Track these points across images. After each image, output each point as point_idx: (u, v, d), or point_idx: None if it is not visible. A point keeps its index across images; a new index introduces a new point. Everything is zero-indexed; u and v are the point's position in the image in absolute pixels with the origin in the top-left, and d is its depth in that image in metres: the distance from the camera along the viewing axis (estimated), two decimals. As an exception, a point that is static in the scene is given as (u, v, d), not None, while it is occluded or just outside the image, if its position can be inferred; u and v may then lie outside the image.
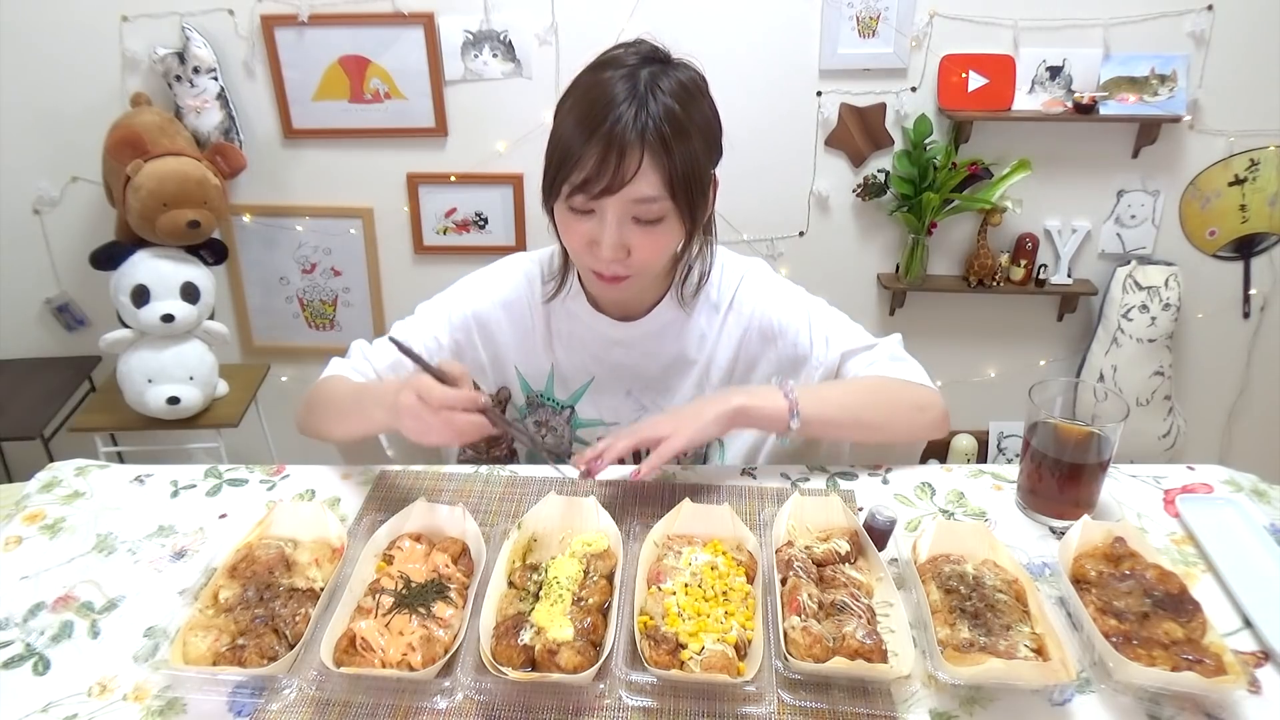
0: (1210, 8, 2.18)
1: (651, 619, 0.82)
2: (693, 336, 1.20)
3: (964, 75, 2.25)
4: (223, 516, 1.05)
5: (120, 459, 2.53)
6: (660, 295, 1.18)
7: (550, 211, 1.06)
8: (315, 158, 2.44)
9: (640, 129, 0.95)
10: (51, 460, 1.17)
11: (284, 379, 2.69)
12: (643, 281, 1.12)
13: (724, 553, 0.91)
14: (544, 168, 1.03)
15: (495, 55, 2.30)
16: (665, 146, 0.96)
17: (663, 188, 0.97)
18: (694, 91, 1.01)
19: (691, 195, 1.00)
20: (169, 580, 0.94)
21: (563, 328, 1.20)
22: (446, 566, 0.88)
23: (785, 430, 1.05)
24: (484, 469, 1.14)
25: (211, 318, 2.31)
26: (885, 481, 1.11)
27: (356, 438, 1.14)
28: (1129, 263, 2.41)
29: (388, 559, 0.90)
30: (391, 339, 1.06)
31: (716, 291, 1.20)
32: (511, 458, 1.31)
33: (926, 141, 2.30)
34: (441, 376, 0.96)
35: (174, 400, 2.19)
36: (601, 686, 0.79)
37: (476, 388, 1.00)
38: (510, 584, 0.89)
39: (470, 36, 2.28)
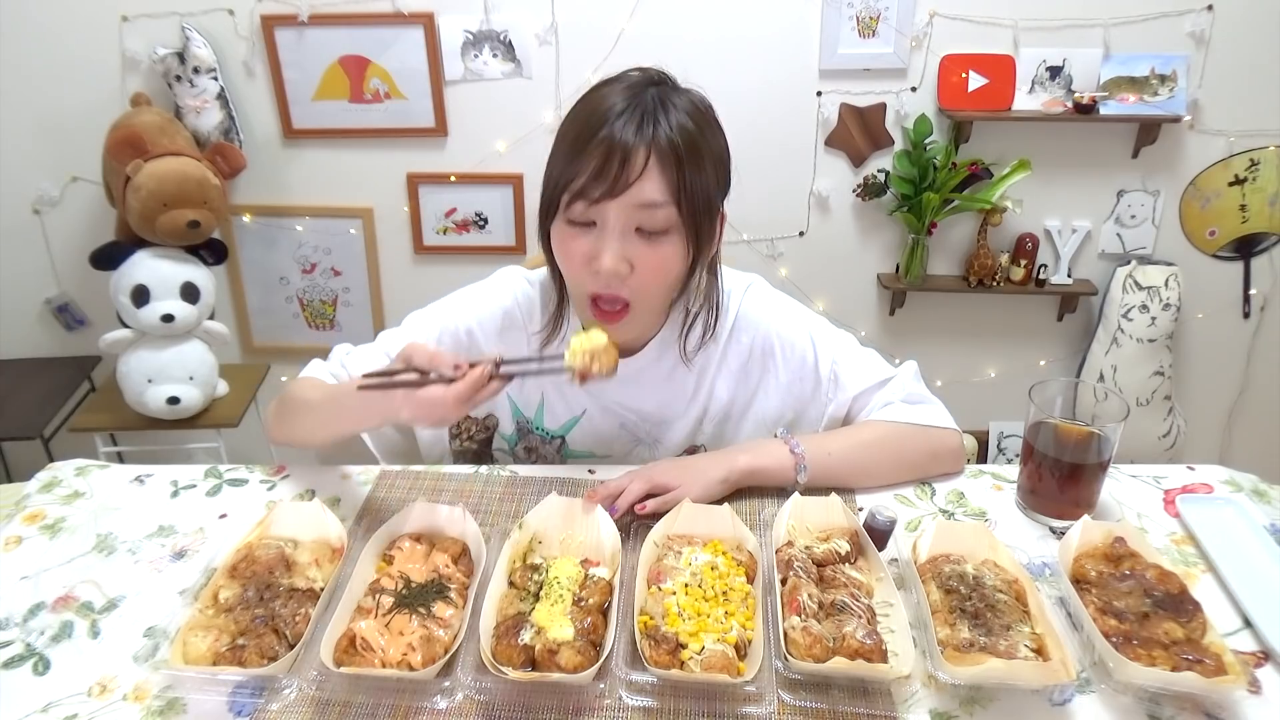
0: (1210, 8, 2.18)
1: (651, 619, 0.82)
2: (691, 370, 1.15)
3: (964, 75, 2.25)
4: (223, 516, 1.05)
5: (120, 459, 2.52)
6: (656, 329, 1.14)
7: (546, 238, 1.02)
8: (315, 158, 2.44)
9: (649, 135, 0.92)
10: (51, 460, 1.17)
11: (284, 379, 2.69)
12: (641, 317, 1.07)
13: (724, 553, 0.91)
14: (542, 192, 0.99)
15: (495, 55, 2.30)
16: (674, 153, 0.93)
17: (669, 194, 0.93)
18: (707, 115, 0.98)
19: (698, 213, 0.96)
20: (169, 580, 0.94)
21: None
22: (446, 566, 0.88)
23: (793, 485, 1.06)
24: (484, 469, 1.14)
25: (211, 318, 2.31)
26: (885, 481, 1.11)
27: (332, 439, 1.08)
28: (1129, 263, 2.41)
29: (388, 559, 0.91)
30: (360, 386, 0.93)
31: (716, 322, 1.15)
32: (487, 445, 1.26)
33: (926, 141, 2.31)
34: (422, 373, 0.89)
35: (174, 400, 2.20)
36: (601, 686, 0.79)
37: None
38: (511, 584, 0.89)
39: (470, 36, 2.28)
